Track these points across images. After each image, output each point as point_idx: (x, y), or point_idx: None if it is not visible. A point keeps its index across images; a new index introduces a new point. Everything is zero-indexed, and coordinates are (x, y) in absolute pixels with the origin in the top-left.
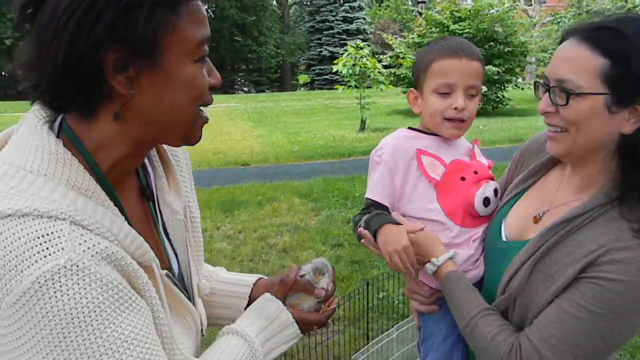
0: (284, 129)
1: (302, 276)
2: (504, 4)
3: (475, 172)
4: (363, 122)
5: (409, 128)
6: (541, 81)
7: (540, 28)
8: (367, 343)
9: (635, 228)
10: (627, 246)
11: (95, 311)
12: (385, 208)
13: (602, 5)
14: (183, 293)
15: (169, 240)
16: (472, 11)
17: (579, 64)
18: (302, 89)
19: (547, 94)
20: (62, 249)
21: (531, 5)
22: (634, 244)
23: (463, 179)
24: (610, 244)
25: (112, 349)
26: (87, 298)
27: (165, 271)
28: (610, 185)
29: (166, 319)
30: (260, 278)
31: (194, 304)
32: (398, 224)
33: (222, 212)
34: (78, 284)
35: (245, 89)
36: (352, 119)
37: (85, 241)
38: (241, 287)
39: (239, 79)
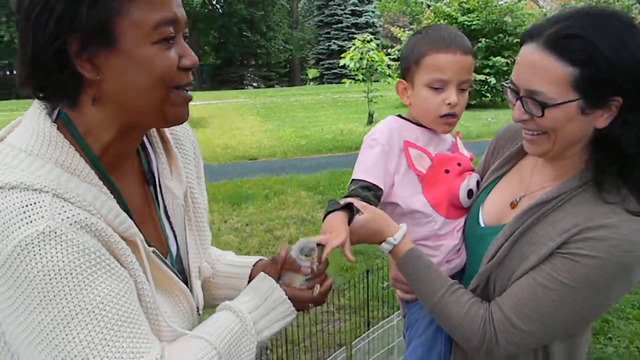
0: (292, 123)
1: (291, 256)
2: None
3: (459, 164)
4: (371, 115)
5: (399, 116)
6: (509, 86)
7: None
8: (368, 330)
9: (628, 208)
10: (600, 225)
11: (71, 273)
12: (376, 189)
13: None
14: (176, 274)
15: (170, 224)
16: (480, 3)
17: (549, 75)
18: (312, 83)
19: (519, 102)
20: (42, 217)
21: None
22: (607, 222)
23: (447, 171)
24: (584, 224)
25: (87, 308)
26: (63, 261)
27: (152, 248)
28: (582, 170)
29: (150, 290)
30: (260, 259)
31: (190, 284)
32: (351, 209)
33: (229, 205)
34: (55, 248)
35: (254, 84)
36: (360, 113)
37: (65, 211)
38: (242, 269)
39: (248, 75)
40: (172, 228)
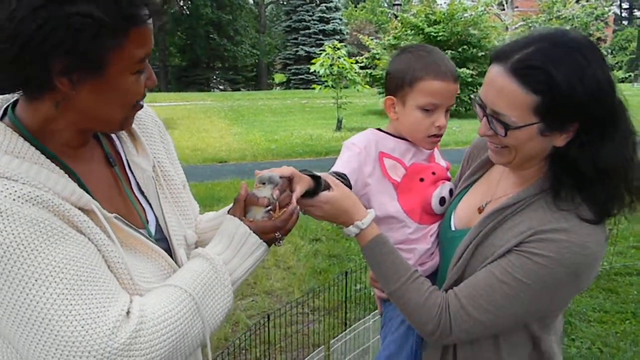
0: (261, 127)
1: (252, 192)
2: (477, 8)
3: (433, 173)
4: (339, 121)
5: (378, 129)
6: (478, 101)
7: (512, 32)
8: (345, 330)
9: (580, 216)
10: (553, 228)
11: (23, 244)
12: (347, 182)
13: (572, 12)
14: (151, 239)
15: (145, 197)
16: (446, 14)
17: (512, 100)
18: (278, 88)
19: (485, 118)
20: None
21: (504, 10)
22: (559, 226)
23: (422, 180)
24: (538, 227)
25: (44, 273)
26: (13, 234)
27: (114, 214)
28: (540, 179)
29: (117, 252)
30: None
31: (173, 250)
32: (318, 181)
33: (201, 207)
34: (3, 223)
35: (220, 87)
36: (328, 119)
37: (7, 188)
38: (221, 218)
39: (215, 77)
40: (148, 201)
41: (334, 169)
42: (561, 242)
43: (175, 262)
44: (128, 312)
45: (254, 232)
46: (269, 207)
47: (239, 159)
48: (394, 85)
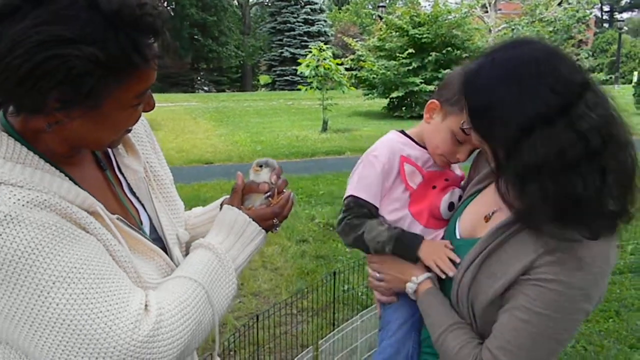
0: (246, 128)
1: (250, 180)
2: (461, 10)
3: (446, 180)
4: (325, 123)
5: (401, 132)
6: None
7: (495, 34)
8: (334, 330)
9: (581, 232)
10: (556, 248)
11: (37, 248)
12: (373, 208)
13: (555, 15)
14: (149, 239)
15: (138, 198)
16: (430, 16)
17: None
18: (263, 89)
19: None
20: None
21: (487, 12)
22: (562, 245)
23: (434, 187)
24: (542, 247)
25: (61, 276)
26: (26, 239)
27: (116, 215)
28: None
29: (124, 251)
30: (226, 198)
31: (168, 249)
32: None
33: (187, 208)
34: (15, 230)
35: (205, 88)
36: (314, 120)
37: (15, 195)
38: (213, 212)
39: (199, 78)
40: (140, 202)
41: (354, 190)
42: (566, 263)
43: (172, 260)
44: (146, 306)
45: (253, 220)
46: (269, 193)
47: (224, 160)
48: (449, 95)
